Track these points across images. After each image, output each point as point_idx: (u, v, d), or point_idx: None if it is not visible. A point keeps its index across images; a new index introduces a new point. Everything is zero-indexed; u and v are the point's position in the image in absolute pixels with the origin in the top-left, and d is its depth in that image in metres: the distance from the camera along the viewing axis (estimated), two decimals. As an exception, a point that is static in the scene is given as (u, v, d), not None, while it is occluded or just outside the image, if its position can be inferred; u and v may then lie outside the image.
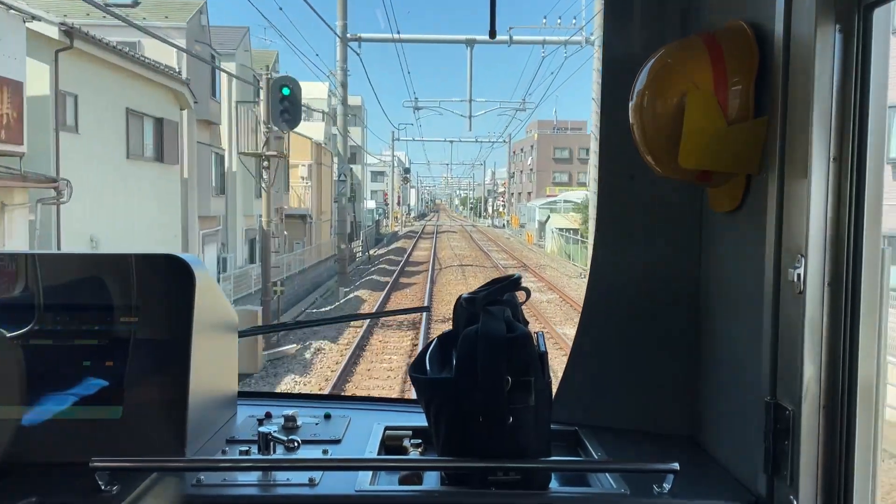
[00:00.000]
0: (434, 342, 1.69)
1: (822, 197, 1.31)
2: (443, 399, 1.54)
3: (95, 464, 1.44)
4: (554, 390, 1.63)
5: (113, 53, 17.33)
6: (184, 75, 21.45)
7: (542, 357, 1.51)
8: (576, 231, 41.43)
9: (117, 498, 1.44)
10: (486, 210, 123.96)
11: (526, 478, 1.52)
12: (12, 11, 13.23)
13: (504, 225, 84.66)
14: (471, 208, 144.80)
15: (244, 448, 1.69)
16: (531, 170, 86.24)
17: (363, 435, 1.83)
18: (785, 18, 1.37)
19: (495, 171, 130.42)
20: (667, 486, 1.48)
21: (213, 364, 1.84)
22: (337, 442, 1.80)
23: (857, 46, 1.28)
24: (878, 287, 1.29)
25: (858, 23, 1.27)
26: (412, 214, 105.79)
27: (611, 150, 1.90)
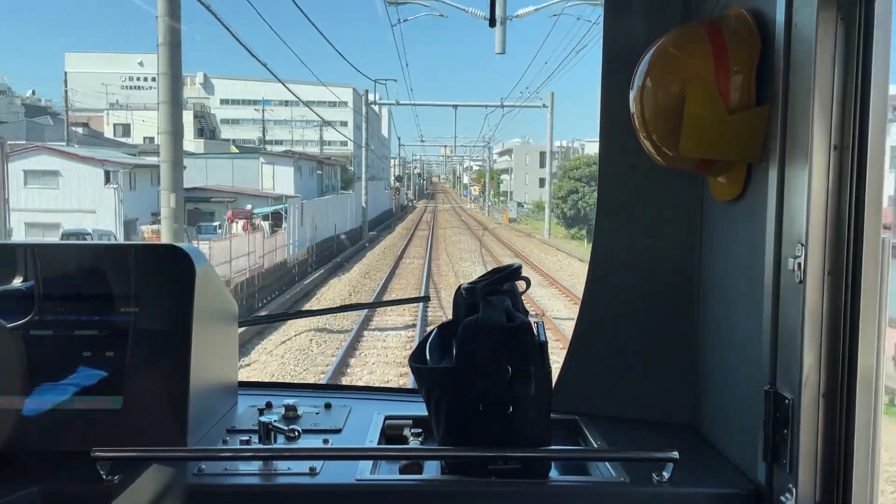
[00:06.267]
0: (434, 331, 1.69)
1: (823, 186, 1.30)
2: (443, 388, 1.54)
3: (97, 453, 1.44)
4: (554, 379, 1.64)
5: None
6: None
7: (542, 346, 1.51)
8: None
9: (119, 487, 1.44)
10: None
11: (526, 466, 1.53)
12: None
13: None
14: (501, 196, 76.42)
15: (245, 438, 1.69)
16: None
17: (364, 424, 1.83)
18: (786, 6, 1.37)
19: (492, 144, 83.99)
20: (666, 475, 1.49)
21: (214, 354, 1.84)
22: (337, 431, 1.80)
23: (858, 34, 1.27)
24: (878, 276, 1.29)
25: (860, 11, 1.26)
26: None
27: (612, 139, 1.90)
